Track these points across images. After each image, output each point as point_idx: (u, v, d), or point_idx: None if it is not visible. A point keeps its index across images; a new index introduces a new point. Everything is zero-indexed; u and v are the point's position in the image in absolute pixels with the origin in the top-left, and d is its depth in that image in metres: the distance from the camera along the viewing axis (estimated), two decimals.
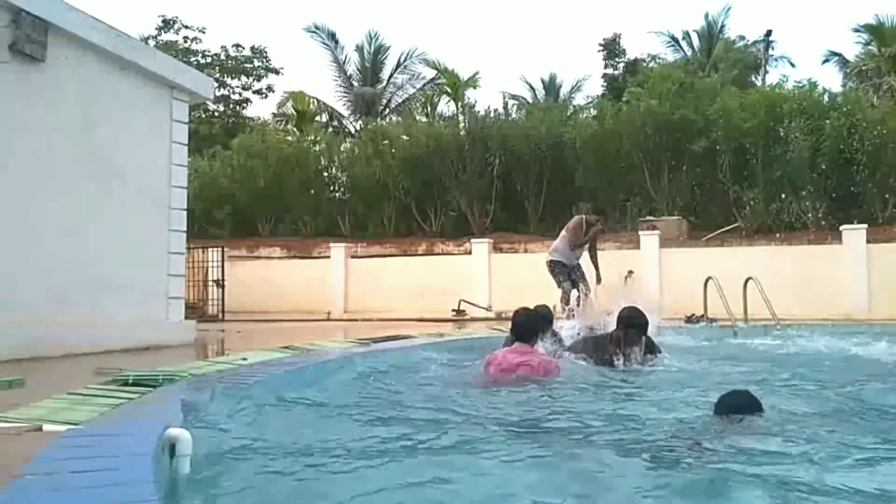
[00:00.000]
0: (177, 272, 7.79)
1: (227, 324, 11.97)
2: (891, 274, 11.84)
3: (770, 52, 26.14)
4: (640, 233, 14.55)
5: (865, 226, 13.36)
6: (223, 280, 14.65)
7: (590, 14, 51.32)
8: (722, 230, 16.09)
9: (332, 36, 27.70)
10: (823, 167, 15.54)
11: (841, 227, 13.48)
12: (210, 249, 15.03)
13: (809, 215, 15.81)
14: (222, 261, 14.97)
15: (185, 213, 7.94)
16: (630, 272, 12.11)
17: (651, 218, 15.83)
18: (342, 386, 4.47)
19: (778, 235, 15.12)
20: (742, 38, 26.49)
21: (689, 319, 10.45)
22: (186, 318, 8.20)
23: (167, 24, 27.83)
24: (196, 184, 18.53)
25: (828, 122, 15.43)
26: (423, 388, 4.49)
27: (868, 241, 12.93)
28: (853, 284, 12.41)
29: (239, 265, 16.21)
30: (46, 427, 2.83)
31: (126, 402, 3.49)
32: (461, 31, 52.14)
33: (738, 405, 3.18)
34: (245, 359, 5.22)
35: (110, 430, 2.80)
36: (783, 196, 15.92)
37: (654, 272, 13.37)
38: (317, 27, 27.65)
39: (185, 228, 7.96)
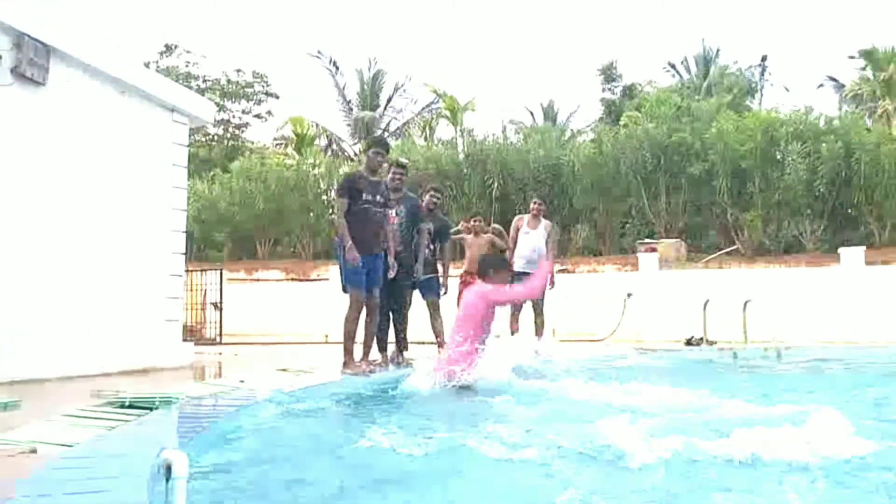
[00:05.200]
0: (175, 295, 7.77)
1: (224, 346, 11.91)
2: (890, 295, 11.82)
3: (765, 76, 26.42)
4: (639, 255, 14.56)
5: (864, 247, 13.39)
6: (221, 303, 14.61)
7: (587, 41, 51.96)
8: (721, 252, 16.11)
9: (333, 61, 27.98)
10: (821, 190, 15.62)
11: (839, 249, 13.50)
12: (208, 272, 15.00)
13: (808, 237, 15.85)
14: (221, 283, 14.93)
15: (183, 235, 7.94)
16: (629, 294, 12.09)
17: (649, 240, 15.86)
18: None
19: (776, 257, 15.14)
20: (737, 62, 26.76)
21: (689, 342, 10.41)
22: (184, 340, 8.16)
23: (169, 49, 28.10)
24: (195, 207, 18.59)
25: (824, 145, 15.54)
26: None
27: (867, 263, 12.93)
28: (852, 306, 12.38)
29: (237, 288, 16.17)
30: (42, 449, 2.80)
31: (122, 424, 3.45)
32: (459, 56, 52.68)
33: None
34: (242, 381, 5.19)
35: (106, 452, 2.78)
36: (781, 218, 15.98)
37: (653, 294, 13.35)
38: (319, 52, 27.97)
39: (183, 251, 7.96)
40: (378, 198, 5.76)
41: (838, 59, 46.31)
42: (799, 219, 16.06)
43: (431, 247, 6.89)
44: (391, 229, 5.96)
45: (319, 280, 16.47)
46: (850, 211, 15.87)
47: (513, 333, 7.38)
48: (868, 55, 21.90)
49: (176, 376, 6.39)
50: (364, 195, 5.70)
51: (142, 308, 7.26)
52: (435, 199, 7.13)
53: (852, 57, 23.27)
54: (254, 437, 3.41)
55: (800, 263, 14.37)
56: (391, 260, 5.84)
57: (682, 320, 11.26)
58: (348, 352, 5.77)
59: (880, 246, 14.85)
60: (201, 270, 14.97)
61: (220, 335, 14.02)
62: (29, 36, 6.07)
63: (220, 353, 10.18)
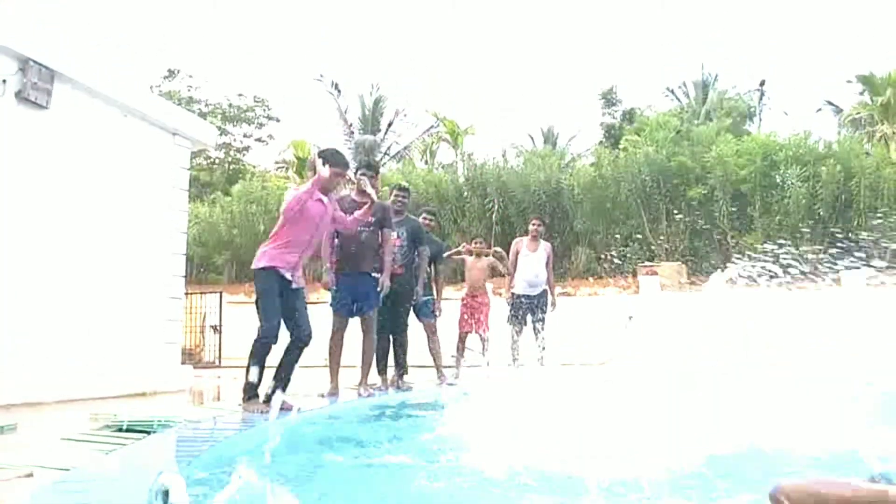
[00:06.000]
0: (174, 317, 7.75)
1: (223, 370, 11.85)
2: (892, 318, 11.78)
3: (763, 101, 26.62)
4: (640, 278, 14.54)
5: (865, 269, 13.37)
6: (221, 326, 14.57)
7: (587, 65, 52.44)
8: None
9: (335, 85, 28.24)
10: (821, 213, 15.66)
11: (840, 272, 13.48)
12: (208, 295, 14.98)
13: (808, 260, 15.84)
14: (220, 306, 14.91)
15: (184, 258, 7.94)
16: (630, 317, 12.04)
17: (650, 263, 15.86)
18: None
19: (778, 280, 15.12)
20: (735, 87, 26.98)
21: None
22: (182, 363, 8.12)
23: (171, 74, 28.37)
24: (195, 229, 18.62)
25: (824, 168, 15.62)
26: None
27: (868, 286, 12.91)
28: (853, 329, 12.33)
29: (237, 311, 16.11)
30: (38, 473, 2.77)
31: (120, 447, 3.42)
32: (460, 81, 53.11)
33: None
34: (241, 405, 5.14)
35: (103, 476, 2.74)
36: (781, 241, 15.99)
37: (654, 317, 13.31)
38: (322, 76, 28.24)
39: (183, 274, 7.95)
40: (367, 218, 5.77)
41: (836, 84, 46.73)
42: (799, 242, 16.06)
43: (429, 270, 6.89)
44: (389, 250, 5.95)
45: (319, 303, 16.44)
46: (850, 234, 15.88)
47: (514, 360, 7.32)
48: (866, 80, 22.09)
49: (174, 400, 6.34)
50: (349, 216, 5.74)
51: (141, 331, 7.23)
52: (428, 221, 7.15)
53: (850, 82, 23.49)
54: (250, 461, 3.37)
55: (802, 286, 14.34)
56: (384, 280, 5.79)
57: (683, 343, 11.17)
58: (332, 374, 5.76)
59: (881, 268, 14.83)
60: (201, 293, 14.96)
61: (220, 358, 13.96)
62: (34, 60, 6.13)
63: (219, 377, 10.13)
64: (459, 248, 8.27)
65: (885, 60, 37.33)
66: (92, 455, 3.19)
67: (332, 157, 4.85)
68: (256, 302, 4.78)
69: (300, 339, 4.83)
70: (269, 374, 4.81)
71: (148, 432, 3.88)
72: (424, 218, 7.11)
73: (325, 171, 4.76)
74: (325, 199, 4.90)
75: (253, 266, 4.78)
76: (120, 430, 3.92)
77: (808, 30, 50.63)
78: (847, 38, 45.65)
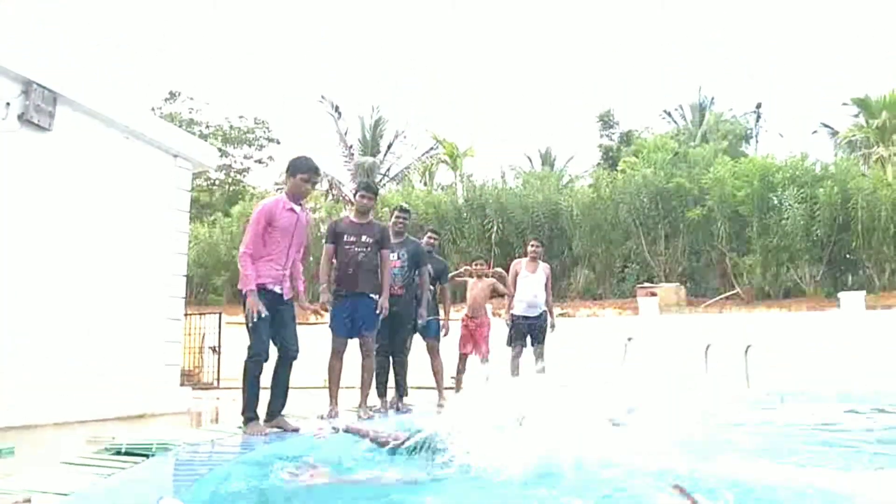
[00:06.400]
0: (173, 339, 7.73)
1: (222, 391, 11.79)
2: (891, 340, 11.78)
3: (760, 123, 26.81)
4: (639, 299, 14.54)
5: (864, 291, 13.39)
6: (220, 347, 14.52)
7: (584, 88, 52.87)
8: (721, 297, 16.11)
9: (336, 107, 28.44)
10: (819, 234, 15.71)
11: (839, 294, 13.50)
12: (207, 315, 14.95)
13: (807, 282, 15.85)
14: (219, 327, 14.87)
15: (184, 279, 7.93)
16: (629, 339, 12.02)
17: (649, 284, 15.87)
18: None
19: (776, 301, 15.13)
20: (732, 109, 27.20)
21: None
22: (181, 385, 8.08)
23: (173, 96, 28.57)
24: (195, 250, 18.63)
25: (821, 190, 15.69)
26: None
27: (867, 308, 12.92)
28: (852, 351, 12.33)
29: (236, 332, 16.07)
30: (36, 498, 2.75)
31: (118, 471, 3.40)
32: (459, 103, 53.52)
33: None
34: (240, 427, 5.12)
35: (101, 500, 2.73)
36: (780, 263, 16.02)
37: (653, 338, 13.29)
38: (323, 97, 28.45)
39: (183, 295, 7.94)
40: (364, 238, 5.77)
41: (832, 107, 47.10)
42: (798, 263, 16.10)
43: (432, 288, 6.89)
44: (388, 271, 5.94)
45: (318, 324, 16.40)
46: (848, 255, 15.93)
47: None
48: (861, 103, 22.27)
49: (173, 422, 6.31)
50: (346, 237, 5.75)
51: (140, 352, 7.21)
52: (433, 241, 7.17)
53: (846, 104, 23.68)
54: (250, 484, 3.35)
55: (800, 308, 14.36)
56: (383, 302, 5.78)
57: (682, 364, 11.17)
58: (331, 397, 5.72)
59: (880, 290, 14.85)
60: (200, 314, 14.93)
61: (219, 379, 13.90)
62: (37, 83, 6.18)
63: (218, 398, 10.07)
64: (461, 271, 8.29)
65: (880, 83, 37.70)
66: (90, 479, 3.17)
67: (296, 164, 4.83)
68: (246, 321, 4.75)
69: (287, 357, 4.81)
70: (265, 395, 4.78)
71: (147, 455, 3.85)
72: (429, 237, 7.13)
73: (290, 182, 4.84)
74: (296, 207, 4.87)
75: (240, 287, 4.74)
76: (118, 453, 3.90)
77: (804, 52, 51.16)
78: (842, 60, 46.14)
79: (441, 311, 6.96)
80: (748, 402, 7.90)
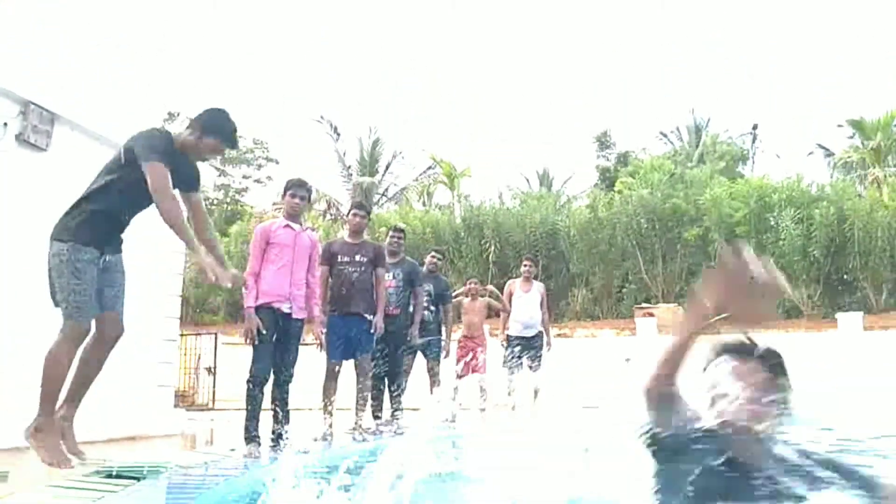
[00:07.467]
0: (168, 360, 7.68)
1: (217, 412, 11.71)
2: (890, 359, 11.74)
3: (756, 144, 26.97)
4: (637, 319, 14.52)
5: (862, 312, 13.39)
6: (215, 367, 14.44)
7: (581, 109, 53.26)
8: (718, 317, 16.09)
9: (334, 127, 28.57)
10: (815, 255, 15.74)
11: (837, 314, 13.49)
12: (203, 336, 14.88)
13: (804, 302, 15.84)
14: (215, 347, 14.80)
15: (179, 299, 7.90)
16: (627, 360, 11.99)
17: (647, 305, 15.85)
18: None
19: (774, 322, 15.12)
20: (728, 130, 27.37)
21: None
22: (175, 406, 8.02)
23: (171, 116, 28.72)
24: (192, 270, 18.62)
25: (817, 211, 15.76)
26: None
27: (864, 328, 12.90)
28: (850, 370, 12.29)
29: (232, 352, 16.00)
30: None
31: (109, 494, 3.35)
32: (457, 124, 53.88)
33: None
34: (234, 449, 5.07)
35: None
36: None
37: (652, 360, 13.26)
38: (322, 117, 28.59)
39: (178, 315, 7.90)
40: (358, 258, 5.76)
41: (827, 128, 47.39)
42: (795, 284, 16.10)
43: (432, 308, 6.86)
44: (382, 290, 5.91)
45: (314, 344, 16.31)
46: (845, 276, 15.95)
47: (511, 404, 7.26)
48: (856, 124, 22.43)
49: (165, 444, 6.24)
50: (340, 257, 5.75)
51: (133, 373, 7.14)
52: (436, 261, 7.16)
53: (841, 126, 23.85)
54: None
55: (798, 328, 14.33)
56: (378, 322, 5.74)
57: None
58: (326, 417, 5.68)
59: (877, 311, 14.85)
60: (196, 334, 14.87)
61: (213, 400, 13.80)
62: (35, 104, 6.20)
63: (213, 420, 9.99)
64: (460, 291, 8.28)
65: (875, 105, 38.01)
66: (81, 503, 3.12)
67: (286, 183, 5.10)
68: (252, 340, 4.80)
69: (278, 380, 4.87)
70: (266, 416, 4.76)
71: (138, 478, 3.80)
72: (433, 257, 7.14)
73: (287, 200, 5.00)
74: (294, 225, 4.97)
75: (245, 304, 4.81)
76: (109, 475, 3.85)
77: (800, 74, 51.64)
78: (837, 82, 46.58)
79: (443, 331, 6.93)
80: None
